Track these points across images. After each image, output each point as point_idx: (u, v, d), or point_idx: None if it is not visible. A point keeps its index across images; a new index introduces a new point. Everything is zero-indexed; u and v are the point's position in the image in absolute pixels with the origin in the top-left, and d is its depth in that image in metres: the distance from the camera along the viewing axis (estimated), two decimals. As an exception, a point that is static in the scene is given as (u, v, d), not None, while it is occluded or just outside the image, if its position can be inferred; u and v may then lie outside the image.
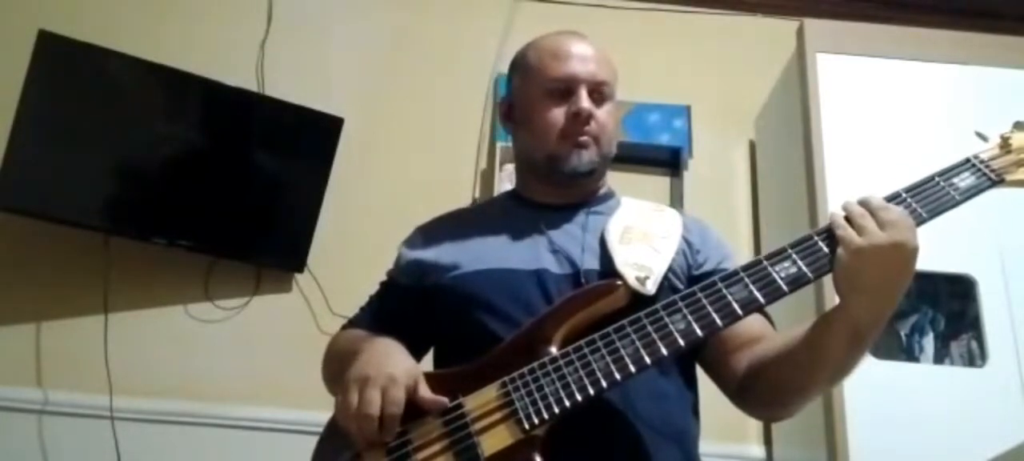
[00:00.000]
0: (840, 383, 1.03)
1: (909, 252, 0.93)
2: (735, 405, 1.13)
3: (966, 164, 1.03)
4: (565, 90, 1.20)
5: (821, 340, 0.98)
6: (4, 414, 2.28)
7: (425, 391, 0.98)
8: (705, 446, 1.14)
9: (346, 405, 0.97)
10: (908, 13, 2.79)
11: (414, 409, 0.97)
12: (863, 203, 0.96)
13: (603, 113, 1.21)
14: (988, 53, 2.29)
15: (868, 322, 0.94)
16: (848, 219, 0.95)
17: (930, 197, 0.99)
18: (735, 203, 2.67)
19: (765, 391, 1.07)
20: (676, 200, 2.58)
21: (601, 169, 1.24)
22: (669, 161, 2.66)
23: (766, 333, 1.11)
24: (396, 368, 0.99)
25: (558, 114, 1.20)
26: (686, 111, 2.65)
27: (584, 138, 1.19)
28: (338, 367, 1.11)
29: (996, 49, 2.31)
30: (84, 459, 2.26)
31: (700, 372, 1.18)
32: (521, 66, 1.28)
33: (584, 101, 1.19)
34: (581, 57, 1.22)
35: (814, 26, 2.34)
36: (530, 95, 1.24)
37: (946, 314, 2.08)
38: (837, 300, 0.97)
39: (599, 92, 1.21)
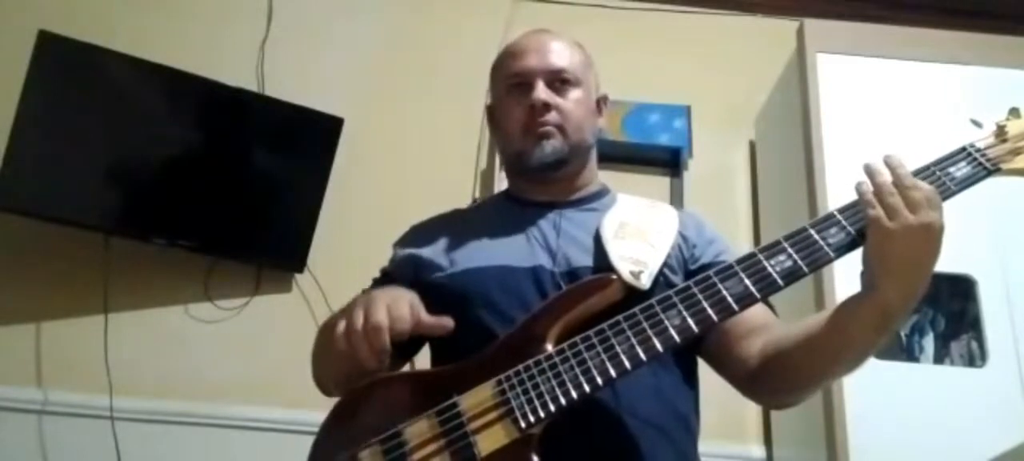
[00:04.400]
0: (860, 367, 1.01)
1: (937, 231, 0.91)
2: (744, 393, 1.12)
3: (962, 153, 1.01)
4: (523, 84, 1.22)
5: (848, 325, 0.96)
6: (4, 414, 2.28)
7: (426, 315, 0.99)
8: (705, 446, 1.14)
9: (350, 325, 0.96)
10: (908, 13, 2.78)
11: (407, 405, 0.96)
12: (891, 167, 0.93)
13: (566, 101, 1.22)
14: (988, 53, 2.29)
15: (898, 305, 0.92)
16: (876, 195, 0.93)
17: None
18: (735, 203, 2.67)
19: (783, 377, 1.05)
20: (676, 200, 2.58)
21: (574, 158, 1.24)
22: (669, 161, 2.66)
23: (772, 321, 1.11)
24: (398, 293, 1.00)
25: (518, 109, 1.21)
26: (686, 111, 2.65)
27: (545, 128, 1.19)
28: (332, 333, 1.11)
29: (996, 49, 2.31)
30: (84, 459, 2.26)
31: (700, 371, 1.18)
32: (493, 70, 1.31)
33: (539, 92, 1.20)
34: (537, 49, 1.24)
35: (814, 26, 2.34)
36: (498, 96, 1.27)
37: (946, 314, 2.08)
38: (837, 294, 0.96)
39: (559, 80, 1.22)
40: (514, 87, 1.23)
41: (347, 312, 1.00)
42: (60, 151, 2.32)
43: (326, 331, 1.18)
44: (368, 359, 0.96)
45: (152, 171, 2.41)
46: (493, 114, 1.31)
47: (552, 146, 1.19)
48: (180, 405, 2.32)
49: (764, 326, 1.08)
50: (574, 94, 1.22)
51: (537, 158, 1.20)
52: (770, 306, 1.13)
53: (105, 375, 2.27)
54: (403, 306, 0.97)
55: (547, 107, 1.19)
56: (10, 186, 2.24)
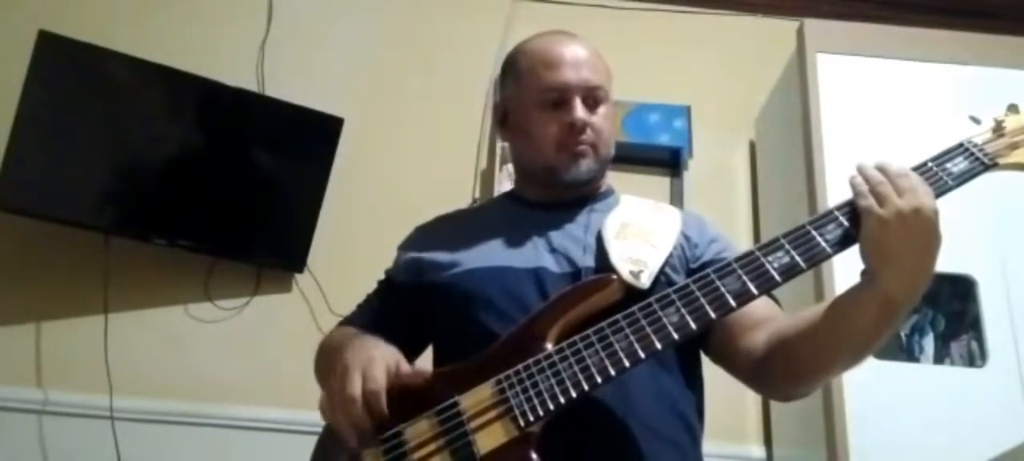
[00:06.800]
0: (866, 358, 1.01)
1: (929, 214, 0.91)
2: (749, 385, 1.12)
3: (959, 148, 1.01)
4: (558, 99, 1.19)
5: (850, 315, 0.96)
6: (4, 414, 2.28)
7: (405, 367, 0.99)
8: (705, 446, 1.14)
9: (329, 397, 0.97)
10: (908, 13, 2.78)
11: (407, 406, 0.97)
12: (881, 168, 0.94)
13: (599, 118, 1.20)
14: (988, 53, 2.28)
15: (901, 295, 0.92)
16: (869, 188, 0.93)
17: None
18: (735, 203, 2.67)
19: (787, 368, 1.05)
20: (676, 200, 2.58)
21: (600, 173, 1.24)
22: (669, 161, 2.66)
23: (776, 313, 1.11)
24: (374, 352, 0.99)
25: (553, 125, 1.19)
26: (686, 111, 2.65)
27: (581, 148, 1.19)
28: (327, 364, 1.12)
29: (996, 49, 2.30)
30: (84, 459, 2.26)
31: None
32: (513, 72, 1.27)
33: (579, 111, 1.18)
34: (573, 63, 1.20)
35: (814, 26, 2.34)
36: (523, 105, 1.23)
37: (946, 314, 2.08)
38: (837, 289, 0.96)
39: (594, 97, 1.20)
40: (547, 101, 1.20)
41: (328, 375, 1.00)
42: (60, 151, 2.32)
43: (323, 360, 1.20)
44: (345, 430, 0.96)
45: (152, 171, 2.41)
46: (507, 117, 1.28)
47: (587, 165, 1.19)
48: (180, 405, 2.32)
49: (768, 319, 1.08)
50: (604, 110, 1.21)
51: (572, 176, 1.19)
52: (774, 300, 1.13)
53: (105, 375, 2.27)
54: (377, 369, 0.96)
55: (585, 127, 1.18)
56: (10, 186, 2.24)
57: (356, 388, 0.94)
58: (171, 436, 2.30)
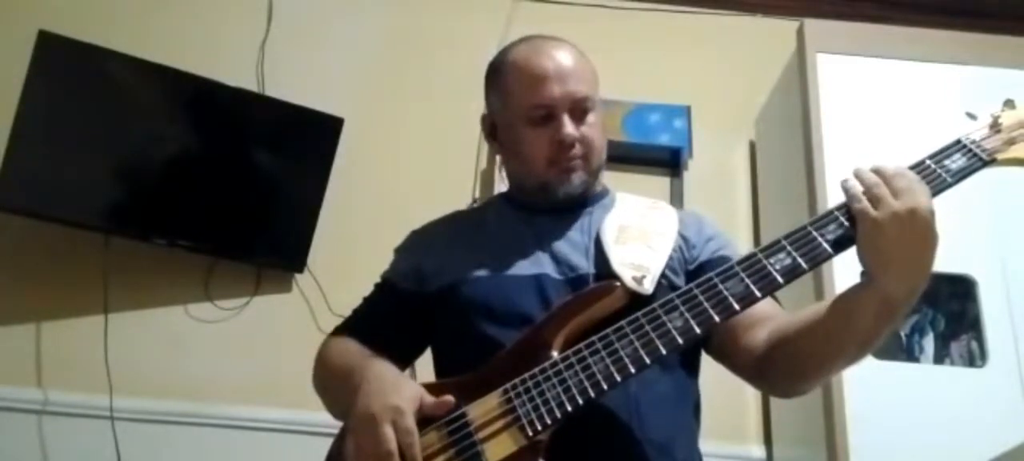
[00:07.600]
0: (867, 355, 1.01)
1: (925, 215, 0.90)
2: (751, 382, 1.13)
3: (957, 145, 1.01)
4: (546, 116, 1.17)
5: (850, 314, 0.96)
6: (4, 414, 2.28)
7: (429, 400, 0.98)
8: (705, 446, 1.15)
9: (360, 451, 0.95)
10: (908, 13, 2.78)
11: (416, 421, 0.96)
12: (877, 171, 0.94)
13: (589, 128, 1.18)
14: (988, 53, 2.28)
15: (900, 295, 0.92)
16: (863, 191, 0.93)
17: (923, 180, 0.96)
18: (735, 203, 2.67)
19: (789, 365, 1.05)
20: (676, 200, 2.58)
21: (594, 182, 1.24)
22: (669, 161, 2.66)
23: (777, 311, 1.11)
24: (396, 397, 0.97)
25: (542, 141, 1.17)
26: (686, 111, 2.65)
27: (573, 163, 1.17)
28: (334, 385, 1.12)
29: (996, 49, 2.30)
30: (84, 459, 2.26)
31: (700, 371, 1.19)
32: (498, 86, 1.24)
33: (567, 127, 1.16)
34: (558, 76, 1.17)
35: (814, 26, 2.34)
36: (511, 122, 1.21)
37: (946, 314, 2.08)
38: (837, 288, 0.96)
39: (581, 108, 1.18)
40: (535, 118, 1.17)
41: (350, 431, 0.98)
42: (60, 151, 2.32)
43: (327, 377, 1.18)
44: None
45: (152, 171, 2.41)
46: (495, 130, 1.26)
47: (579, 178, 1.18)
48: (180, 405, 2.32)
49: (769, 317, 1.09)
50: (592, 118, 1.19)
51: (565, 192, 1.19)
52: (775, 298, 1.13)
53: (105, 375, 2.27)
54: (407, 419, 0.94)
55: (574, 142, 1.17)
56: (10, 186, 2.24)
57: (392, 443, 0.92)
58: (171, 436, 2.30)
